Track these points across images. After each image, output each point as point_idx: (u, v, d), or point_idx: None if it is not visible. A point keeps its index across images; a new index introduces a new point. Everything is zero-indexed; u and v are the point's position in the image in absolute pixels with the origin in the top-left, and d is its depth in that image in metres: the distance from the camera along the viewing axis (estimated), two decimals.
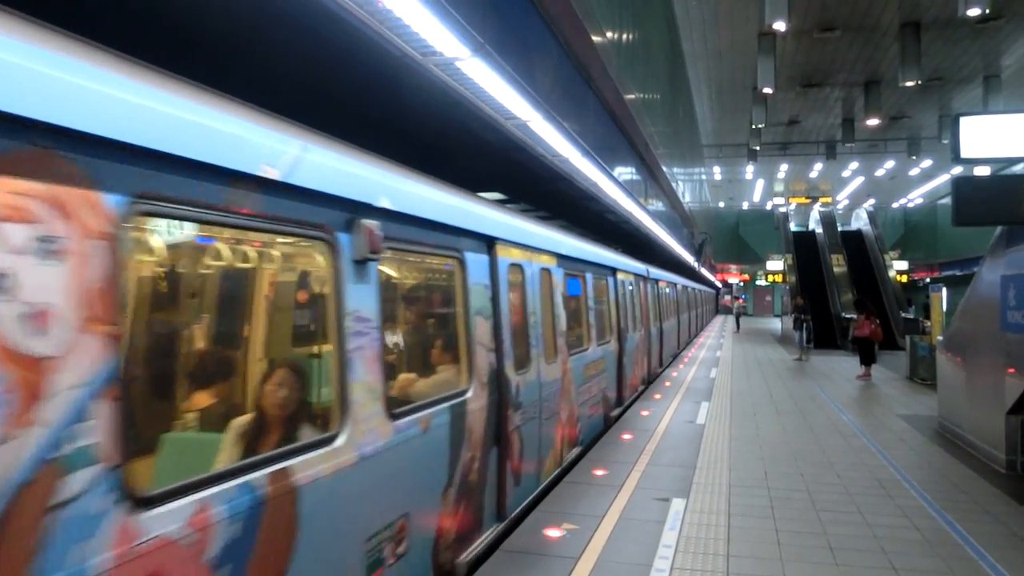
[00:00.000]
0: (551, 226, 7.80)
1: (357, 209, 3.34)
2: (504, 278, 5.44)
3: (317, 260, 3.49)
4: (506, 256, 5.55)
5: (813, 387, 14.33)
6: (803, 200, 50.16)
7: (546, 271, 6.80)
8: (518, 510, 5.64)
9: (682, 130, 27.56)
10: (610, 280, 10.31)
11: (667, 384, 14.43)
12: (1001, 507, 6.30)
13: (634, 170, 14.51)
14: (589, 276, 8.71)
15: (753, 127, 31.56)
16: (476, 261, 4.93)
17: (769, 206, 62.77)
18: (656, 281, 16.13)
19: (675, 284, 21.18)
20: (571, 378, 7.47)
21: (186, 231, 3.22)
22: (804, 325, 20.70)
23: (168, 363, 3.73)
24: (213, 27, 3.89)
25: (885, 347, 19.42)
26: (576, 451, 7.80)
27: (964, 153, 7.93)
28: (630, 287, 12.04)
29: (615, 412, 10.43)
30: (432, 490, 4.10)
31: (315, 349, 3.74)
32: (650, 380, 14.46)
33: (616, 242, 14.07)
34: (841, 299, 26.09)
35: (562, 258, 7.40)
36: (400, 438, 3.60)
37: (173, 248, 3.49)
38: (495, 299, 5.19)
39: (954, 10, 18.59)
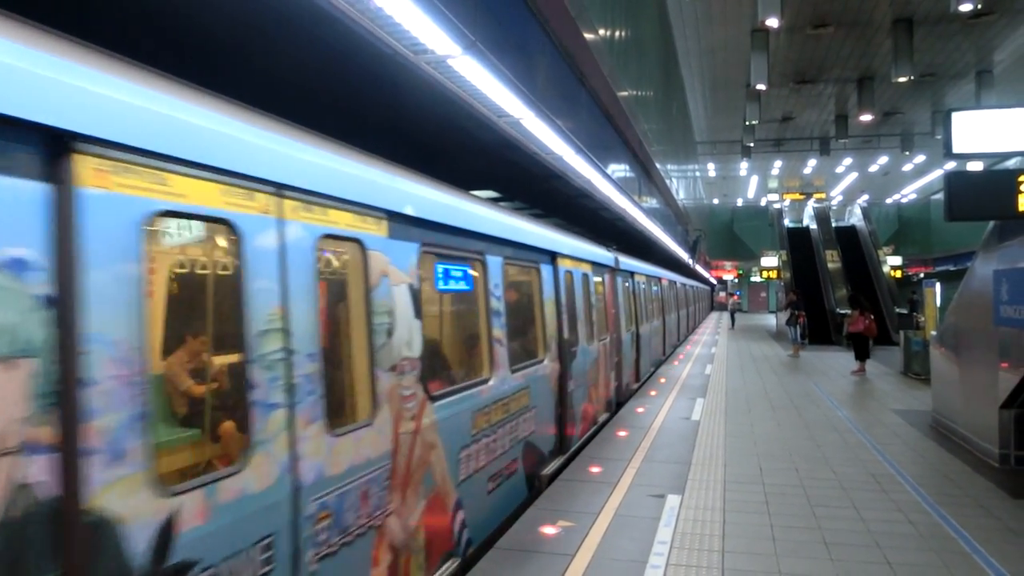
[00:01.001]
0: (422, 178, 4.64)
1: None
2: (127, 250, 2.26)
3: None
4: (140, 191, 2.33)
5: (808, 383, 14.36)
6: (797, 196, 50.25)
7: (353, 245, 3.62)
8: None
9: (676, 127, 27.57)
10: (545, 270, 7.23)
11: (662, 381, 14.45)
12: (995, 501, 6.33)
13: (628, 167, 14.52)
14: (494, 262, 5.70)
15: (747, 124, 31.63)
16: None
17: (763, 202, 62.87)
18: (631, 274, 13.21)
19: (659, 278, 18.20)
20: (437, 442, 4.38)
21: None
22: (798, 321, 20.80)
23: None
24: (203, 27, 3.88)
25: (880, 342, 19.51)
26: (448, 569, 4.53)
27: (956, 148, 7.96)
28: (584, 280, 9.01)
29: (551, 467, 7.15)
30: None
31: None
32: (621, 402, 11.46)
33: (611, 239, 14.05)
34: (835, 295, 26.18)
35: (413, 224, 4.20)
36: None
37: None
38: (62, 311, 2.04)
39: (946, 6, 18.65)
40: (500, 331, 5.70)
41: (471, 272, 5.39)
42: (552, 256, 7.54)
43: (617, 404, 11.18)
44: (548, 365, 7.13)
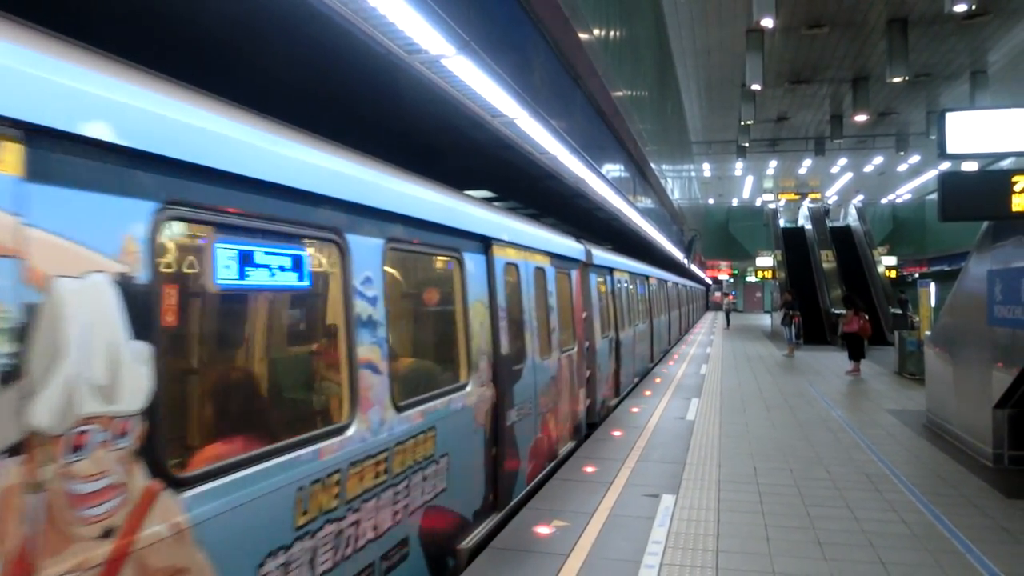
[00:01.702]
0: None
1: None
2: None
3: None
4: None
5: (802, 383, 14.39)
6: (792, 196, 50.40)
7: None
8: None
9: (671, 127, 27.59)
10: (472, 261, 5.42)
11: (657, 380, 14.46)
12: (988, 500, 6.35)
13: (622, 167, 14.53)
14: (365, 245, 3.75)
15: (742, 124, 31.71)
16: None
17: (759, 202, 63.03)
18: (609, 270, 11.50)
19: (646, 276, 16.57)
20: (198, 561, 2.45)
21: None
22: (792, 321, 20.87)
23: None
24: (197, 26, 3.86)
25: (874, 342, 19.55)
26: None
27: (950, 149, 7.96)
28: (539, 276, 7.20)
29: (478, 534, 5.20)
30: None
31: None
32: (595, 424, 9.68)
33: (606, 239, 14.03)
34: (830, 295, 26.23)
35: (135, 164, 2.30)
36: None
37: None
38: None
39: (941, 6, 18.72)
40: (374, 350, 3.73)
41: (312, 258, 3.46)
42: (485, 243, 5.70)
43: (589, 426, 9.40)
44: (474, 392, 5.19)
